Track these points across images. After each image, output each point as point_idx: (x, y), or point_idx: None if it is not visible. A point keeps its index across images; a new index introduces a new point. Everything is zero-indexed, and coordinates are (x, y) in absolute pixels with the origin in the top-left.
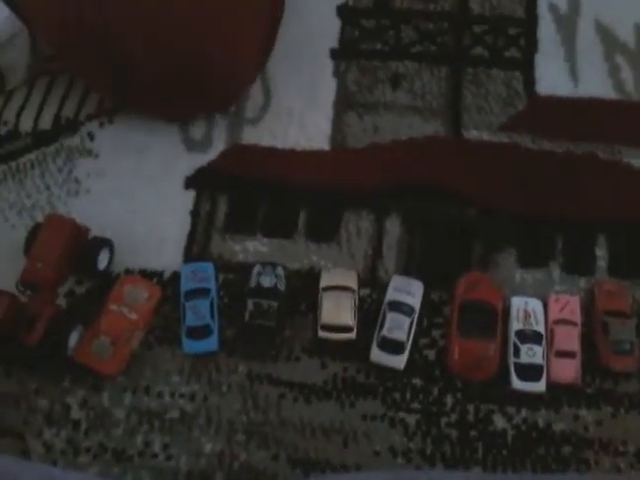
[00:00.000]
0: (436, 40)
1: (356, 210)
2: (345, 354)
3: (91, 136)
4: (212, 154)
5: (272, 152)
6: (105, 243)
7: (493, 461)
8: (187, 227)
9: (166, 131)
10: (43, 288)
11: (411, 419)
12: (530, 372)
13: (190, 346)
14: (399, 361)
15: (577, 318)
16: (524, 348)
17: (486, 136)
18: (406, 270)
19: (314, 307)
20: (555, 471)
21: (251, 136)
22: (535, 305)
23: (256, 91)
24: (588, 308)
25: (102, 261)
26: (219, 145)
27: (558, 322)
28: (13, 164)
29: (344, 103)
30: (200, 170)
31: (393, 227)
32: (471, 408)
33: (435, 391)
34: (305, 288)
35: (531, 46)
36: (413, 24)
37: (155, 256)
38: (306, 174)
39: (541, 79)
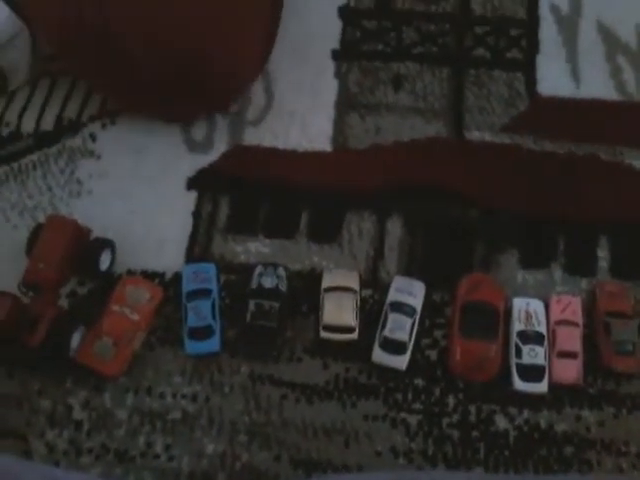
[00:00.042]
0: (438, 41)
1: (358, 211)
2: (347, 355)
3: (93, 137)
4: (214, 155)
5: (274, 153)
6: (107, 244)
7: (495, 462)
8: (189, 228)
9: (168, 132)
10: (45, 289)
11: (413, 419)
12: (532, 373)
13: (192, 347)
14: (401, 362)
15: (579, 319)
16: (526, 349)
17: (488, 137)
18: (408, 271)
19: (316, 308)
20: (557, 472)
21: (253, 137)
22: (537, 306)
23: (258, 92)
24: (590, 309)
25: (104, 262)
26: (221, 146)
27: (560, 323)
28: (15, 165)
29: (346, 104)
30: (202, 171)
31: (395, 228)
32: (473, 409)
33: (437, 392)
34: (307, 289)
35: (533, 47)
36: (415, 25)
37: (157, 257)
38: (308, 175)
39: (543, 80)
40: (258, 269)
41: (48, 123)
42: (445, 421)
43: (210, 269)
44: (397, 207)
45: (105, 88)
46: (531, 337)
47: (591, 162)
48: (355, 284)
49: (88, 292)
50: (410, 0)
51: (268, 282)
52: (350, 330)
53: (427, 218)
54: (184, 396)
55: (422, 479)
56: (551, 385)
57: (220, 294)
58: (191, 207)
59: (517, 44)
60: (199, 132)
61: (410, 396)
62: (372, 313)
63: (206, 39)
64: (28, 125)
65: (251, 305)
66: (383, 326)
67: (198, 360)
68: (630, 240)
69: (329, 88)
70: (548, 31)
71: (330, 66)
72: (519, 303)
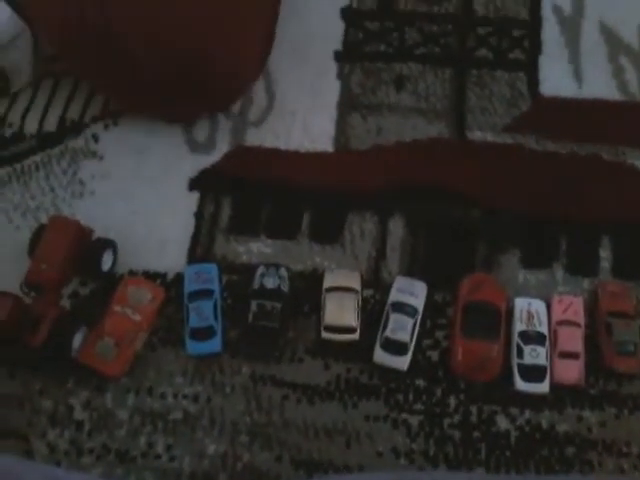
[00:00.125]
0: (440, 42)
1: (360, 211)
2: (348, 355)
3: (95, 138)
4: (216, 156)
5: (276, 154)
6: (109, 244)
7: (496, 462)
8: (191, 228)
9: (170, 133)
10: (47, 289)
11: (414, 420)
12: (533, 373)
13: (193, 347)
14: (402, 362)
15: (580, 319)
16: (527, 349)
17: (490, 137)
18: (409, 271)
19: (317, 308)
20: (558, 472)
21: (255, 138)
22: (538, 306)
23: (259, 93)
24: (592, 309)
25: (106, 262)
26: (223, 147)
27: (561, 323)
28: (18, 166)
29: (348, 105)
30: (204, 172)
31: (397, 228)
32: (474, 409)
33: (438, 392)
34: (308, 289)
35: (535, 48)
36: (417, 26)
37: (159, 257)
38: (310, 175)
39: (545, 80)
40: (260, 269)
41: (51, 124)
42: (446, 421)
43: (212, 269)
44: (399, 207)
45: (107, 88)
46: (533, 337)
47: (593, 162)
48: (357, 284)
49: (90, 292)
50: (412, 1)
51: (270, 282)
52: (351, 330)
53: (429, 218)
54: (185, 396)
55: (423, 479)
56: (552, 385)
57: (222, 294)
58: (193, 208)
59: (519, 45)
60: (201, 133)
61: (411, 397)
62: (373, 313)
63: (208, 39)
64: (31, 126)
65: (253, 305)
66: (384, 326)
67: (200, 360)
68: (632, 240)
69: (331, 89)
70: (550, 32)
71: (332, 67)
72: (521, 303)
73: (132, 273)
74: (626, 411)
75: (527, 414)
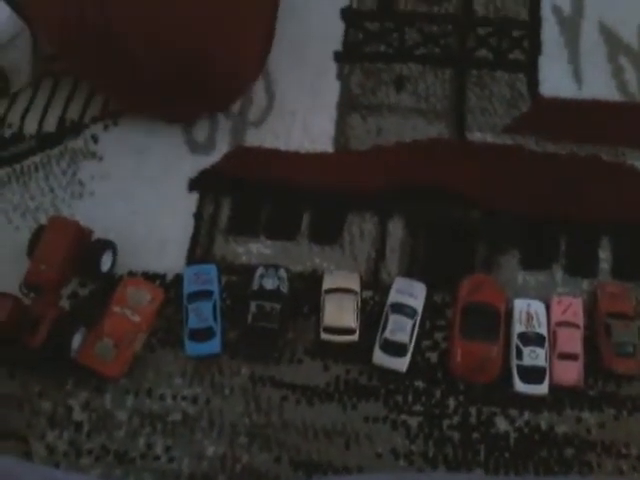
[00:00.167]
0: (440, 42)
1: (359, 212)
2: (347, 356)
3: (95, 139)
4: (215, 156)
5: (275, 154)
6: (108, 245)
7: (495, 464)
8: (190, 229)
9: (169, 133)
10: (46, 290)
11: (413, 421)
12: (533, 374)
13: (193, 348)
14: (401, 363)
15: (580, 320)
16: (527, 350)
17: (490, 138)
18: (409, 272)
19: (317, 309)
20: (557, 474)
21: (254, 138)
22: (538, 307)
23: (259, 93)
24: (591, 310)
25: (105, 263)
26: (222, 147)
27: (561, 324)
28: (17, 166)
29: (348, 105)
30: (203, 172)
31: (396, 229)
32: (473, 410)
33: (437, 393)
34: (308, 290)
35: (535, 48)
36: (417, 26)
37: (158, 258)
38: (309, 176)
39: (545, 81)
40: (259, 270)
41: (50, 124)
42: (445, 423)
43: (211, 270)
44: (399, 208)
45: (107, 88)
46: (532, 339)
47: (593, 163)
48: (356, 285)
49: (89, 293)
50: (412, 1)
51: (269, 283)
52: (351, 332)
53: (429, 219)
54: (184, 398)
55: None
56: (552, 387)
57: (221, 295)
58: (193, 208)
59: (519, 45)
60: (201, 133)
61: (410, 398)
62: (373, 315)
63: (208, 39)
64: (30, 126)
65: (252, 306)
66: (384, 328)
67: (199, 362)
68: (632, 241)
69: (331, 89)
70: (550, 32)
71: (332, 68)
72: (520, 304)
73: (131, 274)
74: (625, 412)
75: (526, 415)
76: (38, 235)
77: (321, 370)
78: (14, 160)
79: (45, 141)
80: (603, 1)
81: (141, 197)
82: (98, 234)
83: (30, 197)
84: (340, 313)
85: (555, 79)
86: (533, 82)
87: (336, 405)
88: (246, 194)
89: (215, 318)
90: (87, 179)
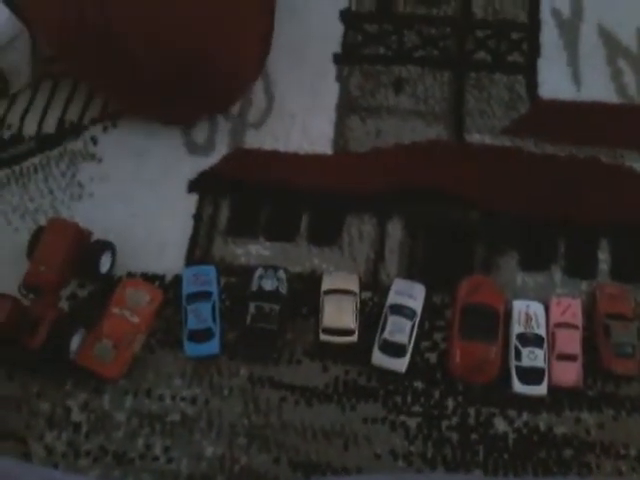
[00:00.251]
0: (439, 45)
1: (358, 214)
2: (346, 357)
3: (94, 140)
4: (215, 158)
5: (275, 156)
6: (107, 246)
7: (494, 464)
8: (189, 230)
9: (169, 135)
10: (46, 291)
11: (412, 422)
12: (531, 375)
13: (192, 349)
14: (400, 364)
15: (579, 321)
16: (525, 351)
17: (488, 140)
18: (408, 273)
19: (316, 310)
20: (556, 474)
21: (254, 140)
22: (537, 308)
23: (258, 95)
24: (590, 311)
25: (104, 264)
26: (222, 149)
27: (560, 325)
28: (17, 168)
29: (347, 107)
30: (203, 174)
31: (395, 231)
32: (472, 411)
33: (436, 394)
34: (307, 291)
35: (534, 50)
36: (416, 29)
37: (157, 259)
38: (309, 178)
39: (544, 83)
40: (258, 272)
41: (50, 126)
42: (444, 424)
43: (210, 271)
44: (398, 210)
45: (106, 89)
46: (531, 340)
47: (592, 165)
48: (355, 287)
49: (88, 294)
50: (411, 4)
51: (268, 285)
52: (350, 333)
53: (427, 221)
54: (183, 398)
55: None
56: (550, 388)
57: (220, 296)
58: (192, 210)
59: (518, 47)
60: (200, 135)
61: (409, 399)
62: (372, 316)
63: (208, 39)
64: (30, 128)
65: (251, 307)
66: (383, 329)
67: (198, 362)
68: (630, 242)
69: (330, 91)
70: (549, 35)
71: (331, 70)
72: (519, 305)
73: (130, 275)
74: (624, 413)
75: (525, 416)
76: (37, 236)
77: (320, 371)
78: (13, 161)
79: (44, 143)
80: (602, 4)
81: (140, 199)
82: (97, 235)
83: (29, 198)
84: (339, 314)
85: (554, 81)
86: (532, 84)
87: (335, 406)
88: (245, 195)
89: (214, 319)
90: (86, 181)
